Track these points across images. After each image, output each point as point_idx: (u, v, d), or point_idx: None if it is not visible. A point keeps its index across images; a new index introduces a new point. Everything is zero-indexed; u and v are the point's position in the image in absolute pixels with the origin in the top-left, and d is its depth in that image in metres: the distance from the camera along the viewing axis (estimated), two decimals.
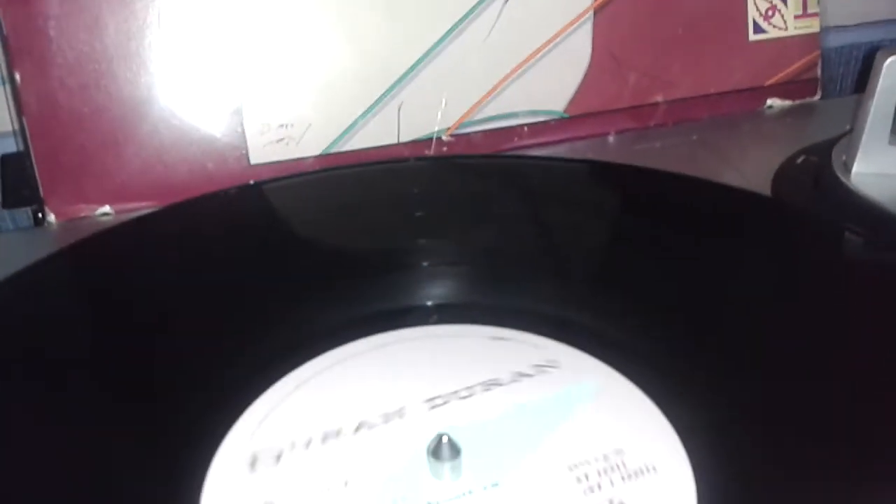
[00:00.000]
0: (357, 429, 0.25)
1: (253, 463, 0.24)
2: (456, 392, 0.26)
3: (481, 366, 0.27)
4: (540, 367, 0.27)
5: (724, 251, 0.32)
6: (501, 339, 0.28)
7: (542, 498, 0.22)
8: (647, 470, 0.23)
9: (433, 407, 0.26)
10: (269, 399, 0.26)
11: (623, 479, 0.23)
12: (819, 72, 0.49)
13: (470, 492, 0.23)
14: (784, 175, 0.41)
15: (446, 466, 0.23)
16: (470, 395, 0.26)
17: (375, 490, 0.23)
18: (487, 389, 0.26)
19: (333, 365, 0.28)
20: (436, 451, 0.23)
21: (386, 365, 0.28)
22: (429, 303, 0.31)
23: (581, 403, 0.25)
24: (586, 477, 0.23)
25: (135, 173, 0.40)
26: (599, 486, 0.22)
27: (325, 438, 0.25)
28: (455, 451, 0.23)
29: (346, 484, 0.23)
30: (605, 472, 0.23)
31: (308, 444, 0.24)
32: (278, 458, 0.24)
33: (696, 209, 0.35)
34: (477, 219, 0.36)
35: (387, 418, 0.25)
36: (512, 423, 0.25)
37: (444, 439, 0.23)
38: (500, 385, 0.26)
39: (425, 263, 0.33)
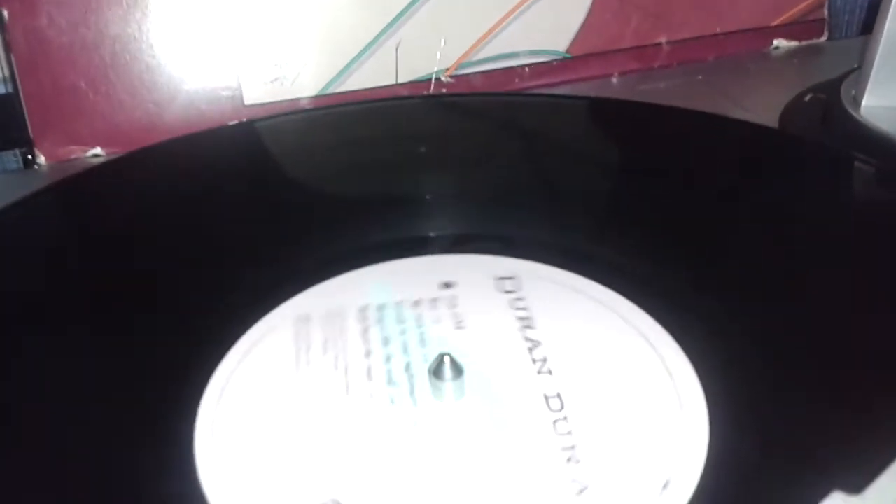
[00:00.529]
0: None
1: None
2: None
3: None
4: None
5: (735, 184, 0.32)
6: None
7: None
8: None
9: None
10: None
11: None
12: (826, 12, 0.48)
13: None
14: (791, 112, 0.40)
15: (443, 386, 0.23)
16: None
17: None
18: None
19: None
20: (437, 370, 0.23)
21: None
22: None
23: None
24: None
25: (126, 114, 0.39)
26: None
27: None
28: (457, 371, 0.23)
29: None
30: None
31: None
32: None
33: (702, 142, 0.35)
34: (479, 154, 0.35)
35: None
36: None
37: (446, 359, 0.23)
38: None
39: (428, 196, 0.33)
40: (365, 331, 0.25)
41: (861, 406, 0.20)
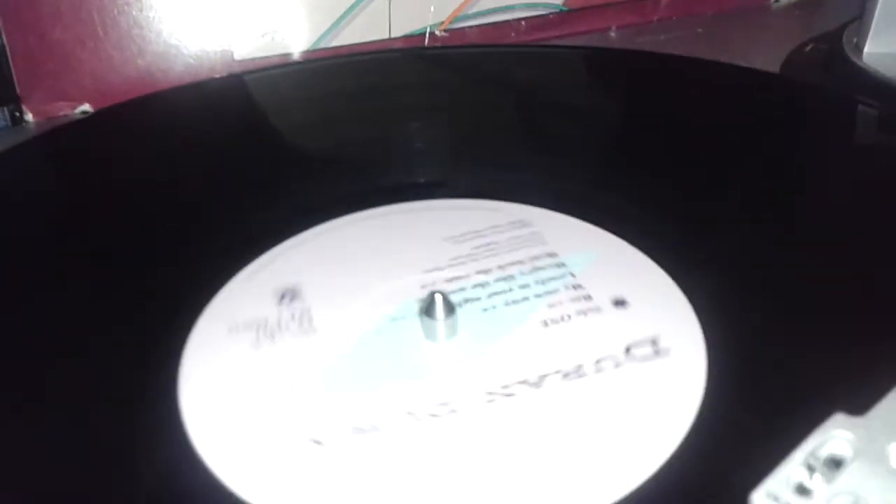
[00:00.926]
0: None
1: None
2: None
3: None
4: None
5: (739, 129, 0.31)
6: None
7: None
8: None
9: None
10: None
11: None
12: None
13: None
14: (793, 62, 0.39)
15: (437, 325, 0.22)
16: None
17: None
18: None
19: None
20: (428, 310, 0.22)
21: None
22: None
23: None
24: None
25: (115, 69, 0.39)
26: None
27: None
28: (450, 309, 0.22)
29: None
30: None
31: None
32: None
33: (703, 89, 0.34)
34: (466, 104, 0.34)
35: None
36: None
37: (438, 298, 0.22)
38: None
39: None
40: (515, 263, 0.24)
41: (865, 329, 0.20)
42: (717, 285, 0.22)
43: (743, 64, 0.39)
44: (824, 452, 0.16)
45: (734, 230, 0.25)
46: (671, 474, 0.17)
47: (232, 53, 0.39)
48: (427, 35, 0.42)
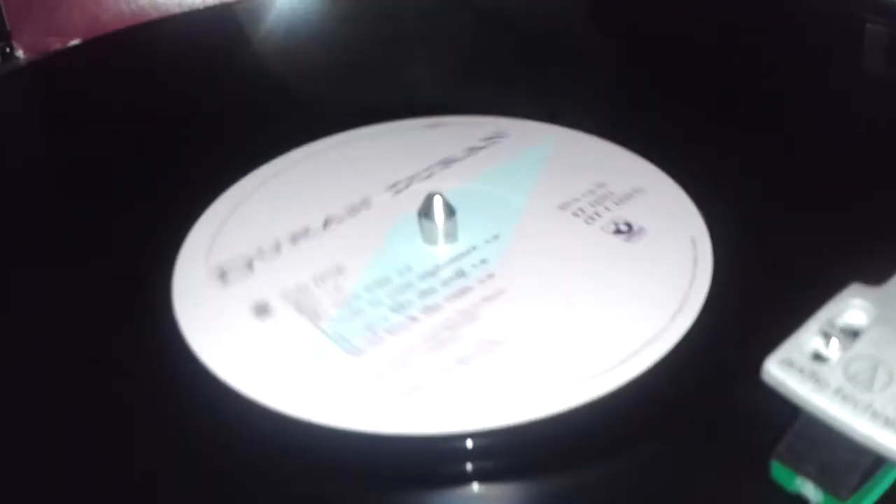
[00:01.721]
0: (325, 224, 0.23)
1: (222, 276, 0.21)
2: (414, 175, 0.24)
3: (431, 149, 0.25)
4: (489, 140, 0.25)
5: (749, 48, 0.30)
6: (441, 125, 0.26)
7: (546, 238, 0.21)
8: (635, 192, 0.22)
9: (397, 192, 0.24)
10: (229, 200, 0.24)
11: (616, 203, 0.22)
12: None
13: (474, 248, 0.21)
14: None
15: (439, 228, 0.21)
16: (430, 175, 0.24)
17: (372, 266, 0.21)
18: (446, 166, 0.25)
19: (290, 167, 0.25)
20: (427, 212, 0.21)
21: (343, 162, 0.25)
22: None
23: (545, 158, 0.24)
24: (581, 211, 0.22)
25: (106, 4, 0.38)
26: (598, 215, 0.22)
27: (294, 239, 0.22)
28: (450, 211, 0.22)
29: (339, 270, 0.21)
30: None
31: (278, 248, 0.22)
32: (249, 265, 0.22)
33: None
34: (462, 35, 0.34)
35: (353, 210, 0.23)
36: (486, 187, 0.24)
37: (437, 199, 0.21)
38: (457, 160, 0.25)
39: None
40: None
41: (881, 201, 0.19)
42: (726, 162, 0.22)
43: None
44: (840, 321, 0.15)
45: (746, 129, 0.24)
46: (689, 343, 0.16)
47: None
48: None
